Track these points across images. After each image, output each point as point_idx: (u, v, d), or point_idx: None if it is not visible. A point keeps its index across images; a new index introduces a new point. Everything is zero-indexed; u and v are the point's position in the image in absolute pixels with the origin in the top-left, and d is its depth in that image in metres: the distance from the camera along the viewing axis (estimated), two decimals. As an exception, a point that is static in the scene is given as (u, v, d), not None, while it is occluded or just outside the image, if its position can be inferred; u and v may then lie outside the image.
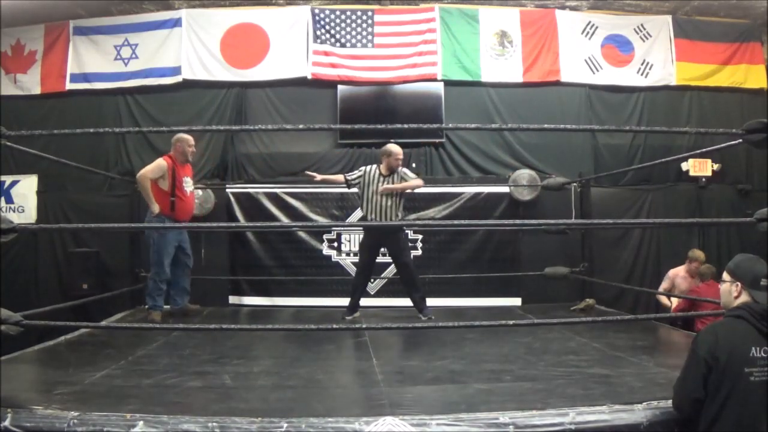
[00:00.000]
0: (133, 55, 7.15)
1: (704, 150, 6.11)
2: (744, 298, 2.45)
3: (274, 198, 6.81)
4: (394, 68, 7.14)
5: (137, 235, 6.58)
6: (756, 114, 5.44)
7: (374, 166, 5.55)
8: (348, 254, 6.78)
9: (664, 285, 6.23)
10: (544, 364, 3.72)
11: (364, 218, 5.59)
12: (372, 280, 6.67)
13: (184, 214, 5.44)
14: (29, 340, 4.20)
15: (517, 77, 7.21)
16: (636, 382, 3.17)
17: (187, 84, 7.10)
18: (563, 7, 7.32)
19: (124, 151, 7.17)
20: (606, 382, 3.20)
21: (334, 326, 4.53)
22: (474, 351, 4.17)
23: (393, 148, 5.45)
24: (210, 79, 7.10)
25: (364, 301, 6.49)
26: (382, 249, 5.64)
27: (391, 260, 5.85)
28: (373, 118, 6.28)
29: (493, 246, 6.82)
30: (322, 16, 7.15)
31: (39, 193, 7.13)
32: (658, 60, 7.34)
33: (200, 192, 6.44)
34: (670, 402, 2.54)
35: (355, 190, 5.61)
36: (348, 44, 7.16)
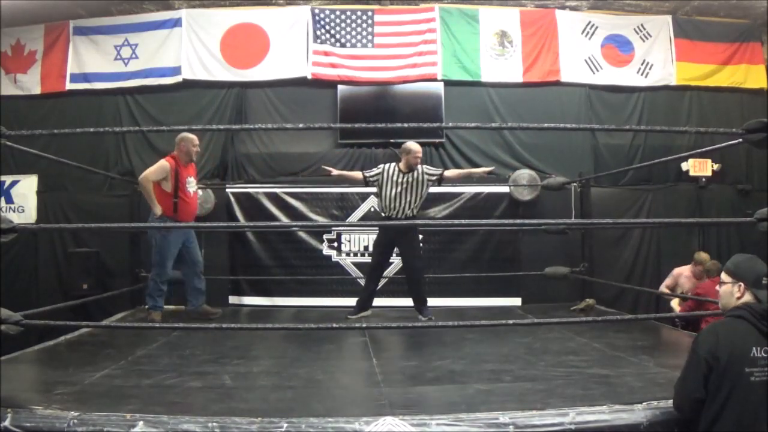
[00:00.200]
0: (133, 55, 7.15)
1: (704, 150, 6.11)
2: (747, 298, 2.44)
3: (274, 198, 6.81)
4: (394, 68, 7.14)
5: (137, 235, 6.58)
6: (756, 114, 5.43)
7: (393, 164, 5.54)
8: (348, 254, 6.78)
9: (667, 282, 6.23)
10: (544, 364, 3.72)
11: (382, 216, 5.55)
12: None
13: (187, 215, 5.38)
14: (29, 340, 4.20)
15: (517, 77, 7.21)
16: (636, 382, 3.17)
17: (187, 84, 7.10)
18: (563, 7, 7.32)
19: (124, 151, 7.17)
20: (606, 382, 3.19)
21: (334, 326, 4.53)
22: (474, 351, 4.16)
23: (412, 146, 5.45)
24: (210, 79, 7.11)
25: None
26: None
27: (392, 259, 5.85)
28: (373, 118, 6.27)
29: (493, 246, 6.82)
30: (322, 16, 7.15)
31: (39, 193, 7.13)
32: (658, 60, 7.34)
33: (200, 192, 6.44)
34: (670, 402, 2.53)
35: (373, 189, 5.60)
36: (348, 44, 7.16)
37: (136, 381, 3.31)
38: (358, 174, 5.61)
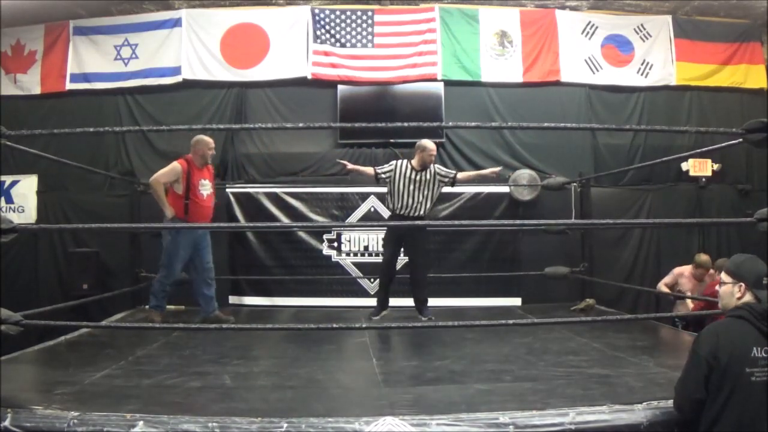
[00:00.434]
0: (133, 55, 7.15)
1: (704, 150, 6.11)
2: (747, 298, 2.44)
3: (274, 198, 6.81)
4: (394, 68, 7.14)
5: (137, 235, 6.58)
6: (756, 114, 5.43)
7: (405, 161, 5.53)
8: (348, 254, 6.78)
9: (666, 279, 6.21)
10: (544, 364, 3.72)
11: (393, 212, 5.53)
12: (372, 280, 6.69)
13: (199, 217, 5.25)
14: (29, 340, 4.19)
15: (517, 77, 7.21)
16: (636, 382, 3.17)
17: (187, 84, 7.10)
18: (563, 7, 7.32)
19: (124, 151, 7.17)
20: (606, 382, 3.19)
21: (334, 326, 4.53)
22: (474, 351, 4.17)
23: (427, 143, 5.44)
24: (210, 79, 7.11)
25: (364, 301, 6.54)
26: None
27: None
28: (373, 118, 6.26)
29: (493, 246, 6.82)
30: (322, 16, 7.15)
31: (39, 193, 7.13)
32: (658, 60, 7.34)
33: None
34: (670, 402, 2.53)
35: (384, 188, 5.59)
36: (348, 44, 7.16)
37: (136, 381, 3.31)
38: (370, 170, 5.58)
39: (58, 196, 7.10)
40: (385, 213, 6.60)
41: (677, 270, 6.20)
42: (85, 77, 7.16)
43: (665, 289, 6.15)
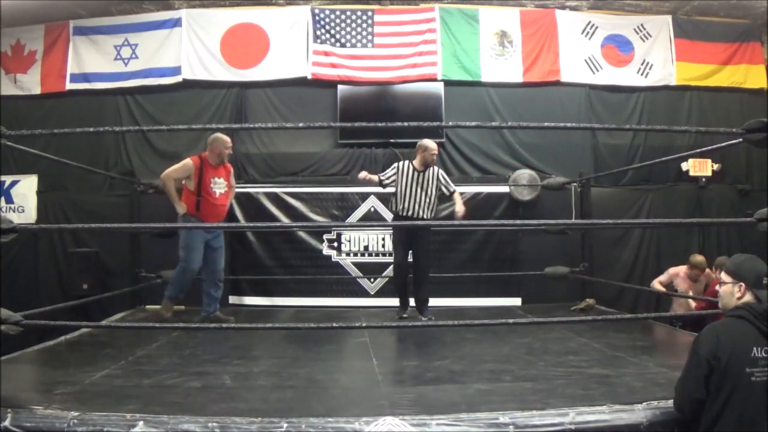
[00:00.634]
0: (133, 55, 7.15)
1: (704, 150, 6.11)
2: (747, 298, 2.44)
3: (274, 198, 6.81)
4: (394, 68, 7.14)
5: (137, 235, 6.57)
6: (756, 114, 5.42)
7: (406, 162, 5.54)
8: (348, 254, 6.78)
9: (661, 278, 6.21)
10: (544, 364, 3.72)
11: (396, 214, 5.55)
12: (372, 280, 6.70)
13: (211, 216, 5.19)
14: (29, 340, 4.19)
15: (517, 77, 7.21)
16: (636, 382, 3.17)
17: (187, 84, 7.10)
18: (563, 7, 7.32)
19: (124, 151, 7.17)
20: (606, 382, 3.19)
21: (334, 326, 4.53)
22: (474, 351, 4.16)
23: (429, 143, 5.45)
24: (210, 79, 7.11)
25: (364, 301, 6.56)
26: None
27: (392, 259, 5.83)
28: (373, 118, 6.27)
29: (493, 246, 6.83)
30: (322, 16, 7.15)
31: (39, 193, 7.13)
32: (658, 60, 7.34)
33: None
34: (670, 402, 2.53)
35: (390, 189, 5.59)
36: (348, 44, 7.15)
37: (136, 381, 3.31)
38: (375, 177, 5.57)
39: (58, 196, 7.10)
40: (385, 213, 6.63)
41: (672, 270, 6.20)
42: (85, 77, 7.16)
43: (659, 287, 6.15)
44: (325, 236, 6.80)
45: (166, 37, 7.11)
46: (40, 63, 7.22)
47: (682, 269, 6.13)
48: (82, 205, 7.00)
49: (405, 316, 5.53)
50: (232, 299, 6.66)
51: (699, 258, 6.03)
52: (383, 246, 6.75)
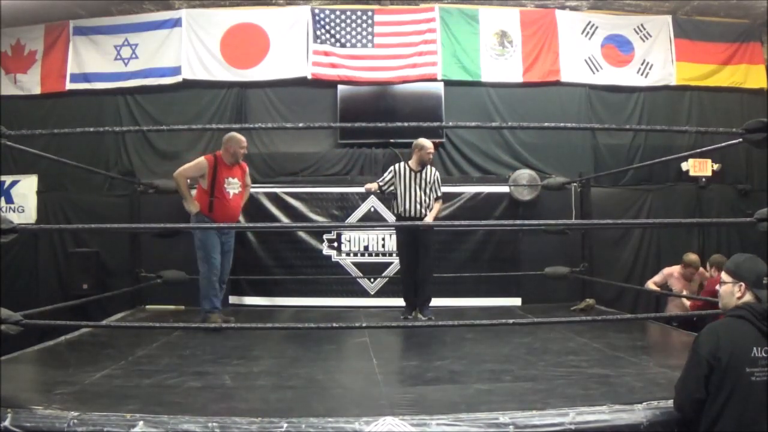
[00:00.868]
0: (133, 55, 7.15)
1: (704, 150, 6.11)
2: (747, 297, 2.44)
3: (274, 198, 6.80)
4: (394, 68, 7.14)
5: (137, 235, 6.57)
6: (756, 114, 5.42)
7: (402, 163, 5.56)
8: (348, 254, 6.78)
9: (656, 278, 6.23)
10: (544, 364, 3.72)
11: (399, 216, 5.56)
12: (372, 280, 6.70)
13: (223, 216, 5.11)
14: (29, 340, 4.19)
15: (517, 77, 7.21)
16: (636, 382, 3.17)
17: (187, 84, 7.10)
18: (563, 7, 7.31)
19: (124, 151, 7.16)
20: (606, 382, 3.19)
21: (334, 326, 4.53)
22: (474, 351, 4.17)
23: (425, 142, 5.46)
24: (210, 79, 7.10)
25: (364, 301, 6.56)
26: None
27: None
28: (373, 118, 6.29)
29: (493, 246, 6.82)
30: (322, 16, 7.15)
31: (39, 193, 7.13)
32: (658, 60, 7.34)
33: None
34: (670, 402, 2.53)
35: (390, 189, 5.60)
36: (348, 44, 7.15)
37: (136, 381, 3.32)
38: (375, 185, 5.58)
39: (58, 196, 7.10)
40: (385, 213, 6.63)
41: (667, 270, 6.21)
42: (85, 77, 7.16)
43: (653, 287, 6.16)
44: (325, 236, 6.79)
45: (166, 37, 7.11)
46: (40, 63, 7.22)
47: (676, 269, 6.14)
48: (82, 205, 7.00)
49: (410, 317, 5.53)
50: (232, 299, 6.66)
51: (692, 257, 6.04)
52: (383, 246, 6.75)
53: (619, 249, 7.05)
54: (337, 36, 7.14)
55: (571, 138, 7.22)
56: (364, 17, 7.19)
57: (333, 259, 6.79)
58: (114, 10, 7.15)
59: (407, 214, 5.43)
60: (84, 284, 6.53)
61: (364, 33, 7.17)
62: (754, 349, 2.31)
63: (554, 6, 7.31)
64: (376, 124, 3.79)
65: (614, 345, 4.23)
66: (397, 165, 5.58)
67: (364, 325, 5.06)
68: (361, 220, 6.74)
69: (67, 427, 2.47)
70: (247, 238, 6.75)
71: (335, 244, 6.79)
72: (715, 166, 7.21)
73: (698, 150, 6.11)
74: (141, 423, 2.47)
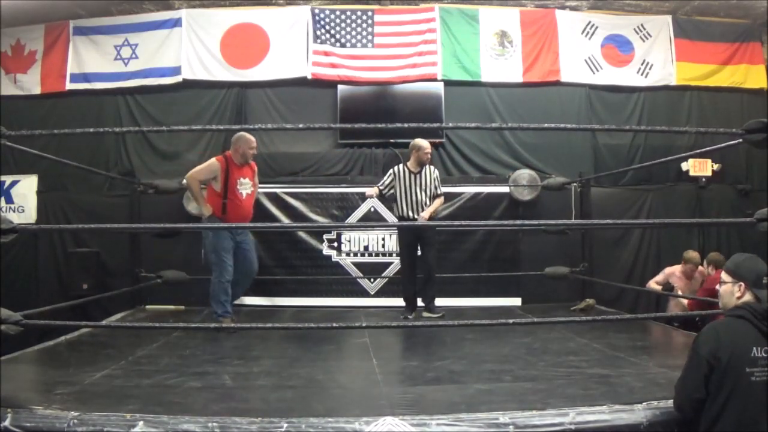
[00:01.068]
0: (133, 55, 7.14)
1: (704, 150, 6.10)
2: (747, 297, 2.44)
3: (274, 198, 6.80)
4: (394, 68, 7.14)
5: (137, 235, 6.57)
6: (756, 114, 5.43)
7: (401, 165, 5.58)
8: (348, 254, 6.78)
9: (658, 278, 6.23)
10: (544, 364, 3.72)
11: (401, 218, 5.57)
12: (372, 280, 6.69)
13: (237, 217, 5.02)
14: (29, 340, 4.19)
15: (517, 77, 7.21)
16: (636, 382, 3.17)
17: (187, 84, 7.10)
18: (563, 7, 7.31)
19: (124, 151, 7.16)
20: (606, 382, 3.20)
21: (334, 326, 4.53)
22: (474, 351, 4.17)
23: (422, 142, 5.47)
24: (210, 79, 7.10)
25: (364, 301, 6.56)
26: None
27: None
28: (373, 118, 6.28)
29: (493, 246, 6.82)
30: (322, 16, 7.15)
31: (39, 193, 7.12)
32: (658, 60, 7.34)
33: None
34: (670, 402, 2.53)
35: (390, 192, 5.62)
36: (348, 44, 7.15)
37: (136, 381, 3.32)
38: (375, 190, 5.61)
39: (58, 196, 7.09)
40: (385, 213, 6.63)
41: (668, 269, 6.22)
42: (85, 77, 7.16)
43: (655, 286, 6.16)
44: (325, 236, 6.79)
45: (166, 37, 7.10)
46: (40, 63, 7.22)
47: (677, 268, 6.15)
48: (82, 205, 7.00)
49: (410, 317, 5.53)
50: (232, 299, 6.66)
51: (692, 254, 6.05)
52: (383, 246, 6.75)
53: (619, 249, 7.05)
54: (337, 36, 7.14)
55: (571, 138, 7.22)
56: (364, 17, 7.19)
57: (333, 259, 6.79)
58: (114, 10, 7.14)
59: (409, 215, 5.44)
60: (84, 284, 6.53)
61: (364, 33, 7.17)
62: (754, 349, 2.31)
63: (554, 6, 7.30)
64: (376, 125, 3.78)
65: (614, 345, 4.23)
66: (396, 167, 5.59)
67: (364, 325, 5.07)
68: (361, 220, 6.74)
69: (67, 427, 2.47)
70: (247, 238, 6.75)
71: (335, 244, 6.79)
72: (715, 166, 7.21)
73: (698, 150, 6.10)
74: (141, 423, 2.47)
